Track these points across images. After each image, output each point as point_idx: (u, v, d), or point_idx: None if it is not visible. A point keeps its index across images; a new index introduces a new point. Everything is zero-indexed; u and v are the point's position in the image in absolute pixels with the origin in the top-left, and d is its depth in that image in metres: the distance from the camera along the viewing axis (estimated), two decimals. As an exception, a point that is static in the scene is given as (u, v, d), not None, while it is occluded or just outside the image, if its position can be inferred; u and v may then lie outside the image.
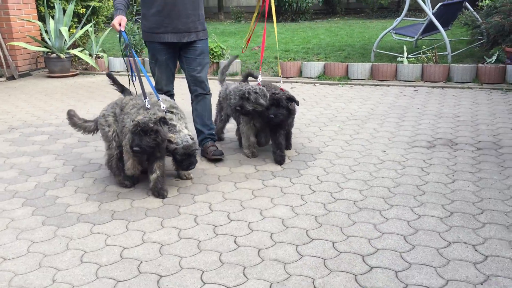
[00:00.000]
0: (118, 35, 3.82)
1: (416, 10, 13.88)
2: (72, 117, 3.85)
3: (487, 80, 6.65)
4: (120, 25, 3.66)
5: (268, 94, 3.91)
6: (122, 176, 3.59)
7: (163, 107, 3.41)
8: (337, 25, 13.48)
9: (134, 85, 3.73)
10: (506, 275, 2.36)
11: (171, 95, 4.17)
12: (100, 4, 9.71)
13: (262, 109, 3.88)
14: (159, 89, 4.14)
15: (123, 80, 4.30)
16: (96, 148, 4.60)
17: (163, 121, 3.27)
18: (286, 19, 15.64)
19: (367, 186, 3.50)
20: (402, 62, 7.35)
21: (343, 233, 2.83)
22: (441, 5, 7.87)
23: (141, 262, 2.59)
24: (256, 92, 3.86)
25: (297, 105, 4.02)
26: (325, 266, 2.50)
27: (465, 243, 2.68)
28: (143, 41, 9.49)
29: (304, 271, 2.45)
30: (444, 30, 7.90)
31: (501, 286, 2.28)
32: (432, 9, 8.25)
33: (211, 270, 2.48)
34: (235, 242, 2.76)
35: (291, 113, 3.95)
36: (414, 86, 6.80)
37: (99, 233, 2.94)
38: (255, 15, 4.53)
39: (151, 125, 3.18)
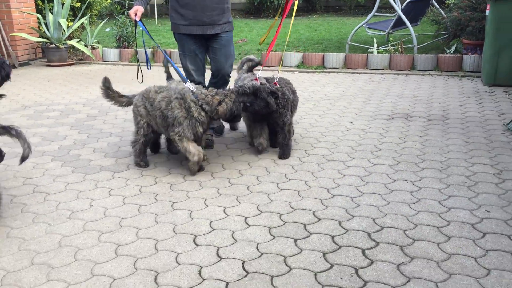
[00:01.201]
0: (133, 24, 4.31)
1: (391, 8, 14.79)
2: (107, 88, 3.98)
3: (446, 68, 7.52)
4: (136, 15, 3.90)
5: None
6: (140, 158, 3.88)
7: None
8: (316, 21, 14.30)
9: (142, 72, 4.15)
10: (432, 198, 3.17)
11: (203, 87, 4.15)
12: (94, -2, 10.35)
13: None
14: (191, 81, 4.06)
15: (120, 69, 4.98)
16: (104, 120, 5.31)
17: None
18: (268, 15, 16.40)
19: (335, 146, 4.29)
20: (372, 52, 8.18)
21: (313, 176, 3.62)
22: (409, 2, 8.70)
23: (157, 194, 3.35)
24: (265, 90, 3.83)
25: (277, 99, 3.89)
26: (299, 195, 3.28)
27: (405, 180, 3.49)
28: (135, 34, 10.18)
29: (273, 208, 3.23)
30: (413, 26, 8.76)
31: (428, 205, 3.09)
32: (401, 5, 9.10)
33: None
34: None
35: (268, 107, 3.84)
36: (382, 74, 7.64)
37: (120, 178, 3.68)
38: (278, 13, 4.68)
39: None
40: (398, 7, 8.56)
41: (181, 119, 3.53)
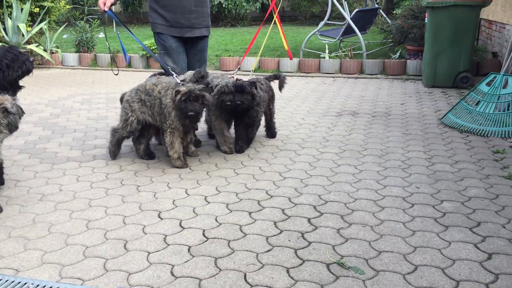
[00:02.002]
0: (101, 15, 4.49)
1: (343, 18, 15.49)
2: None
3: (392, 72, 8.09)
4: (104, 4, 3.87)
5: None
6: (115, 147, 4.03)
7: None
8: (273, 30, 14.78)
9: (115, 63, 4.26)
10: (371, 178, 3.58)
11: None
12: (53, 4, 10.44)
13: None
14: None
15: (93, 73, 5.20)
16: (68, 118, 5.51)
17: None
18: (226, 24, 16.80)
19: (287, 138, 4.68)
20: (324, 57, 8.68)
21: (267, 163, 3.98)
22: (357, 11, 9.28)
23: (123, 179, 3.61)
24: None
25: (256, 89, 4.07)
26: (254, 178, 3.63)
27: (349, 164, 3.90)
28: (94, 39, 10.26)
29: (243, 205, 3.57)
30: (363, 33, 9.34)
31: (367, 184, 3.50)
32: (350, 14, 9.68)
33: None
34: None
35: (254, 98, 3.98)
36: (333, 77, 8.13)
37: (87, 167, 3.92)
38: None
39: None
40: (347, 16, 9.12)
41: (169, 109, 3.67)
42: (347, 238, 2.71)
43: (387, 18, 10.22)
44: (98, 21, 11.05)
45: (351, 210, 3.07)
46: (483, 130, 4.66)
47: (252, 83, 4.03)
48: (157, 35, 4.26)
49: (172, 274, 2.37)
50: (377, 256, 2.52)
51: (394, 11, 10.49)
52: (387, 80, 7.82)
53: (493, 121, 4.74)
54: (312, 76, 8.24)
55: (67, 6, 11.25)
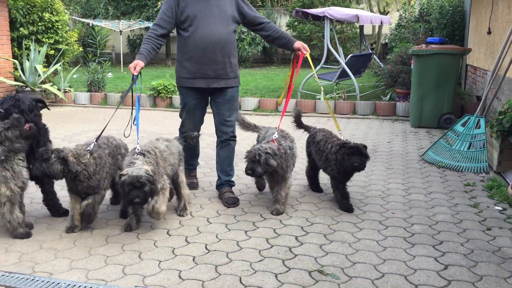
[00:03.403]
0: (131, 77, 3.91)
1: (338, 62, 16.32)
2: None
3: (382, 113, 8.69)
4: (135, 69, 3.71)
5: (277, 151, 3.79)
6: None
7: (138, 149, 3.52)
8: (274, 72, 15.57)
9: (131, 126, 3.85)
10: (354, 205, 4.08)
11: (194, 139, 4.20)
12: (67, 47, 11.19)
13: (272, 169, 3.80)
14: (183, 132, 4.27)
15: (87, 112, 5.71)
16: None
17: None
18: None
19: (282, 171, 5.19)
20: (319, 99, 9.31)
21: (261, 194, 4.49)
22: (351, 56, 9.97)
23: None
24: (267, 153, 3.72)
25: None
26: (251, 204, 4.13)
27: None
28: (105, 79, 10.93)
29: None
30: (357, 77, 10.01)
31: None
32: (346, 59, 10.37)
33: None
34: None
35: (367, 158, 3.94)
36: (328, 117, 8.73)
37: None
38: (289, 73, 4.48)
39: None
40: (342, 61, 9.81)
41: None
42: (327, 252, 3.20)
43: (380, 63, 10.91)
44: (109, 62, 11.78)
45: (333, 231, 3.56)
46: (458, 165, 5.19)
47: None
48: (180, 89, 4.22)
49: (180, 277, 2.86)
50: (351, 266, 3.01)
51: (388, 56, 11.21)
52: (378, 120, 8.41)
53: (467, 158, 5.27)
54: (308, 116, 8.83)
55: (80, 49, 12.01)
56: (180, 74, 4.14)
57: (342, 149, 3.97)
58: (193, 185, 4.50)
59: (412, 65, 7.61)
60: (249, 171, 3.72)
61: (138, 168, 3.25)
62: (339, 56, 10.08)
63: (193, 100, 4.17)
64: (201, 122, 4.34)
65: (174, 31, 4.19)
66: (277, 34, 4.22)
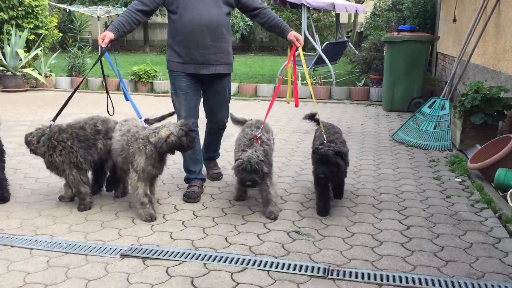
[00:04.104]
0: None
1: (315, 49, 16.70)
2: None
3: (357, 98, 9.08)
4: (103, 41, 3.56)
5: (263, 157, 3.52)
6: None
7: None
8: (252, 59, 15.83)
9: (112, 103, 4.07)
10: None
11: (192, 130, 3.72)
12: (47, 32, 11.24)
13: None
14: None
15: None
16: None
17: None
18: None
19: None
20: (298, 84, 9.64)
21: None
22: (327, 43, 10.31)
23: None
24: (261, 160, 3.47)
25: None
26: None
27: (310, 168, 4.76)
28: (85, 64, 11.00)
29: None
30: (333, 64, 10.36)
31: (324, 182, 4.35)
32: (321, 46, 10.72)
33: (168, 179, 4.34)
34: (180, 170, 4.64)
35: (340, 169, 3.50)
36: (305, 102, 9.08)
37: (93, 169, 4.69)
38: (288, 66, 4.41)
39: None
40: (318, 48, 10.15)
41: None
42: (304, 216, 3.55)
43: (355, 50, 11.31)
44: (89, 48, 11.87)
45: (309, 199, 3.91)
46: (424, 144, 5.60)
47: (338, 152, 3.51)
48: (170, 74, 4.00)
49: (171, 237, 3.17)
50: (325, 228, 3.37)
51: (363, 44, 11.59)
52: (352, 105, 8.80)
53: (433, 137, 5.68)
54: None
55: (60, 34, 12.07)
56: (170, 58, 3.94)
57: (313, 154, 3.68)
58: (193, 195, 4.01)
59: (384, 52, 8.00)
60: (249, 182, 3.41)
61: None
62: (316, 43, 10.42)
63: (185, 82, 3.91)
64: (195, 109, 4.01)
65: (160, 18, 4.29)
66: (272, 22, 3.99)
